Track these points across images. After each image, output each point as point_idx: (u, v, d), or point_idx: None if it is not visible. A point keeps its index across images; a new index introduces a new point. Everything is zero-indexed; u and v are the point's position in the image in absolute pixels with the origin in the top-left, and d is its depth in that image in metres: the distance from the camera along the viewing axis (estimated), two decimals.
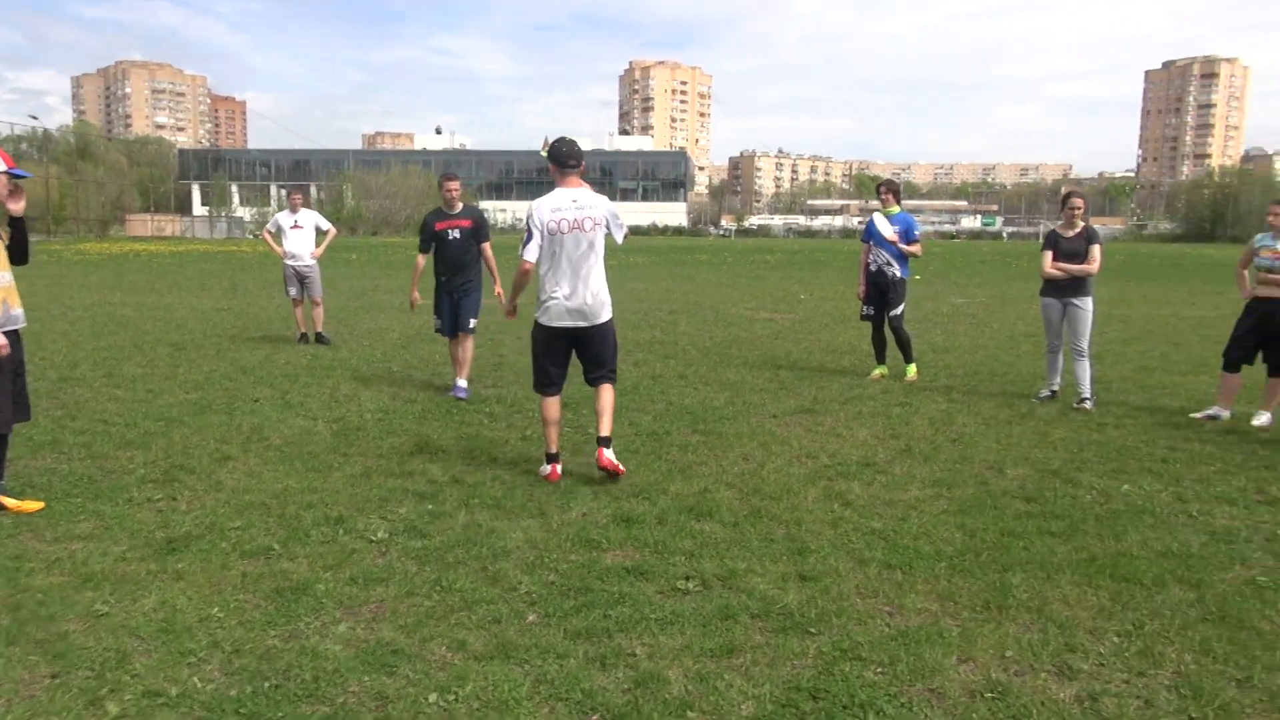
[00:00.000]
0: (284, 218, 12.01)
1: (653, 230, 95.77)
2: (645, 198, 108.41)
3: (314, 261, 11.98)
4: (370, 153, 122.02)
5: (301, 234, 11.91)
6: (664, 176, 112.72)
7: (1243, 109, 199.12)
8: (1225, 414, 7.54)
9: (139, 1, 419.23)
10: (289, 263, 11.90)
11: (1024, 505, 5.24)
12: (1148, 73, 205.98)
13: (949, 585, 4.06)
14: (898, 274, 9.38)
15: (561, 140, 5.72)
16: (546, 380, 5.83)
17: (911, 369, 9.45)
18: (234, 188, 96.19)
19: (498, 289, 8.39)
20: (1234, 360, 7.51)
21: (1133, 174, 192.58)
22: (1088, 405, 7.89)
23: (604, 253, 5.75)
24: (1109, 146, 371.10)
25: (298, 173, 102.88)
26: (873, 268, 9.51)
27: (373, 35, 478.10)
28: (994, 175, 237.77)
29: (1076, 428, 7.22)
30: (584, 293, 5.63)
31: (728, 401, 8.18)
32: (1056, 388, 8.39)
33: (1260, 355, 7.44)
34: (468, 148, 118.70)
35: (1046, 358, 8.46)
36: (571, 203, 5.63)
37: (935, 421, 7.42)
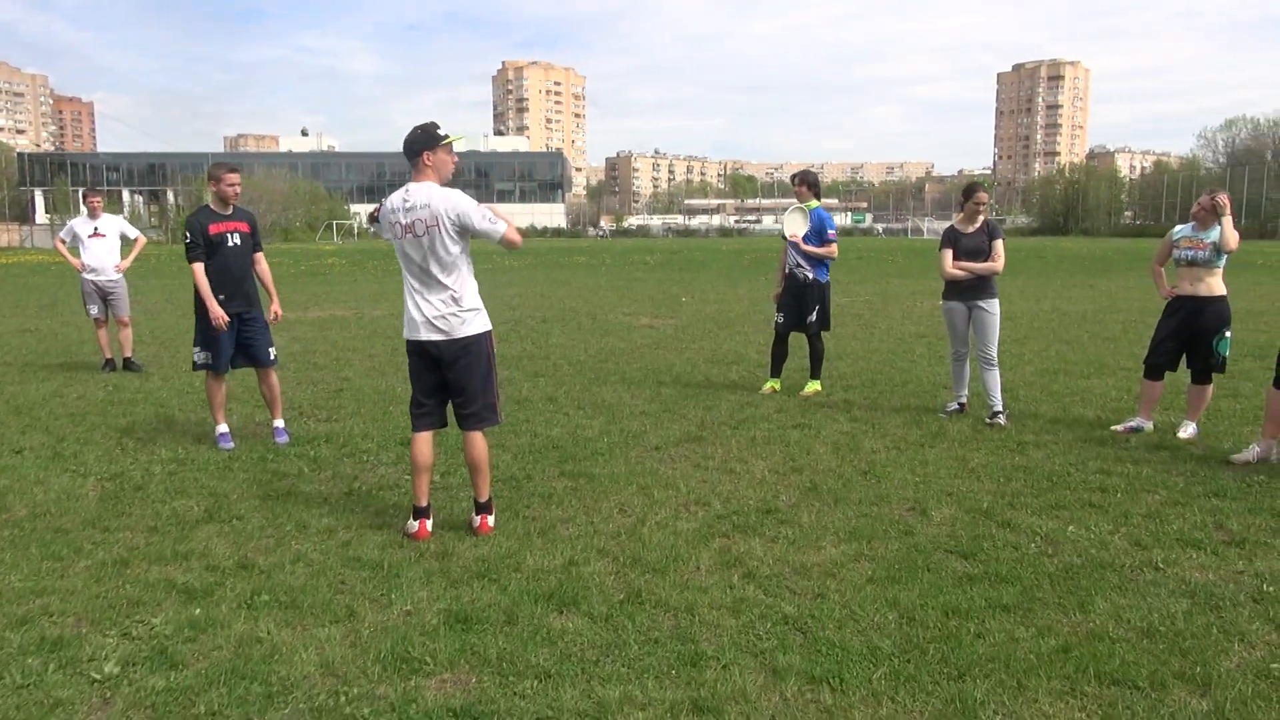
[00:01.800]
0: (81, 224, 10.22)
1: (531, 232, 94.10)
2: (523, 199, 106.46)
3: (119, 275, 10.25)
4: (232, 155, 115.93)
5: (103, 243, 10.16)
6: (541, 178, 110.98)
7: (1086, 109, 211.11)
8: (1148, 425, 6.85)
9: None
10: (88, 277, 10.14)
11: (962, 564, 4.27)
12: (999, 75, 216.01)
13: (894, 708, 3.01)
14: (809, 276, 8.40)
15: (414, 128, 4.57)
16: (415, 408, 4.76)
17: (814, 385, 8.51)
18: (80, 194, 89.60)
19: (276, 307, 6.97)
20: (1156, 367, 6.83)
21: (989, 171, 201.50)
22: (1001, 420, 7.10)
23: (464, 256, 4.56)
24: (967, 145, 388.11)
25: (152, 177, 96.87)
26: (786, 269, 8.55)
27: (234, 33, 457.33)
28: (862, 174, 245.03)
29: (996, 449, 6.38)
30: (435, 301, 4.56)
31: (602, 430, 7.04)
32: (964, 400, 7.59)
33: (1184, 360, 6.78)
34: (336, 149, 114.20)
35: (952, 366, 7.66)
36: (403, 203, 4.54)
37: (839, 447, 6.46)
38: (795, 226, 8.38)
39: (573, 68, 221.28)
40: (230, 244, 6.57)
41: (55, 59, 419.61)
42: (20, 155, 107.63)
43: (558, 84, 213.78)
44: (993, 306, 7.28)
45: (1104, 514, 4.98)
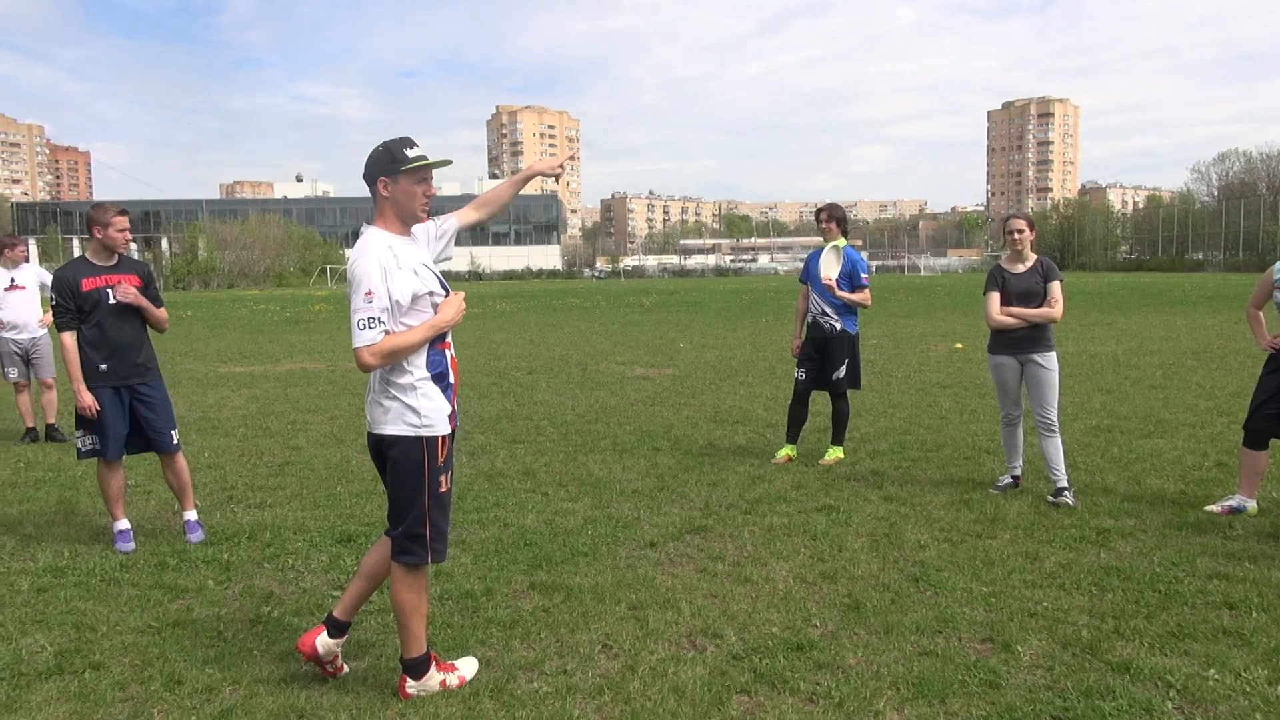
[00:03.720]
0: None
1: (527, 274, 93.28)
2: (518, 241, 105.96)
3: (42, 331, 9.06)
4: (226, 202, 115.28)
5: (22, 296, 8.96)
6: (536, 220, 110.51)
7: (1077, 145, 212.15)
8: (1250, 504, 5.63)
9: None
10: (6, 335, 8.94)
11: None
12: (990, 113, 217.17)
13: None
14: (838, 327, 7.26)
15: (378, 145, 3.40)
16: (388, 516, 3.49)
17: (836, 451, 7.31)
18: (75, 242, 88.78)
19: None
20: (1259, 433, 5.63)
21: (983, 208, 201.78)
22: (1068, 498, 5.88)
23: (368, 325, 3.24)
24: (959, 183, 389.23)
25: (146, 224, 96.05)
26: (809, 318, 7.39)
27: (231, 82, 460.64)
28: (856, 212, 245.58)
29: (1072, 541, 5.15)
30: (371, 379, 3.40)
31: (587, 519, 5.81)
32: (1019, 472, 6.38)
33: None
34: (331, 195, 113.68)
35: (1002, 432, 6.46)
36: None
37: (878, 540, 5.24)
38: (830, 269, 7.21)
39: (565, 110, 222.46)
40: (109, 302, 5.30)
41: (53, 110, 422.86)
42: (16, 205, 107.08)
43: (551, 127, 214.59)
44: (1049, 361, 6.11)
45: (1246, 646, 3.75)
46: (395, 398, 3.31)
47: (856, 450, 7.60)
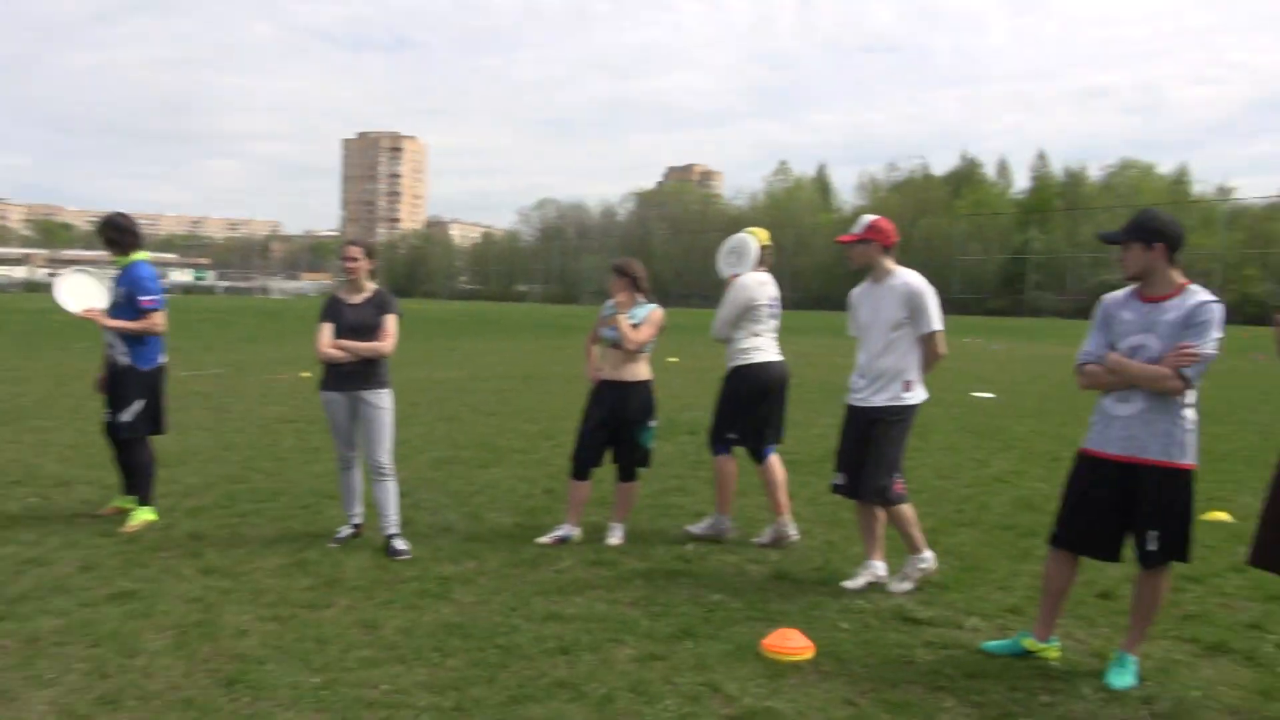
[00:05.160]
0: None
1: None
2: None
3: None
4: None
5: None
6: None
7: (425, 180, 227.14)
8: (576, 531, 5.86)
9: None
10: None
11: None
12: (346, 141, 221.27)
13: None
14: (126, 361, 5.88)
15: None
16: None
17: (143, 513, 5.95)
18: None
19: None
20: (583, 463, 5.88)
21: (337, 233, 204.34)
22: (401, 547, 5.48)
23: None
24: (316, 206, 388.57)
25: None
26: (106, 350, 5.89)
27: None
28: (202, 228, 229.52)
29: (414, 599, 4.70)
30: None
31: None
32: (360, 520, 5.84)
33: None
34: None
35: (339, 476, 5.87)
36: None
37: (187, 632, 4.18)
38: (90, 298, 5.89)
39: None
40: None
41: None
42: None
43: None
44: (381, 399, 5.64)
45: (581, 699, 3.63)
46: None
47: (173, 508, 6.34)
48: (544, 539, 5.77)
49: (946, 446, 9.50)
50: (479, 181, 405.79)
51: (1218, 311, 3.73)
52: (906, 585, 4.99)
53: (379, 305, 5.70)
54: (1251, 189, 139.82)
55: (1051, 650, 4.12)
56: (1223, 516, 6.53)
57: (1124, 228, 3.92)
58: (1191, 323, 3.72)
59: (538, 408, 11.91)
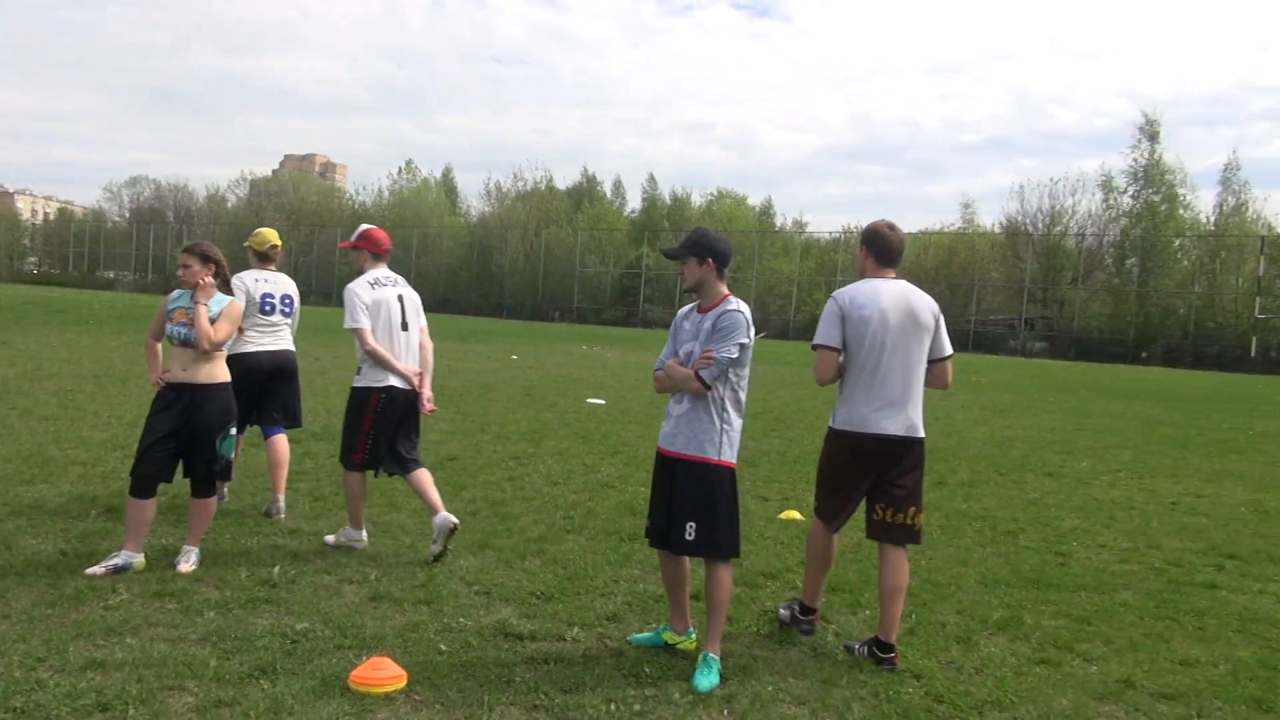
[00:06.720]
0: None
1: None
2: None
3: None
4: None
5: None
6: None
7: None
8: (138, 558, 5.02)
9: None
10: None
11: None
12: None
13: None
14: None
15: None
16: None
17: None
18: None
19: None
20: (147, 478, 5.06)
21: None
22: None
23: None
24: None
25: None
26: None
27: None
28: None
29: None
30: None
31: None
32: None
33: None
34: None
35: None
36: None
37: None
38: None
39: None
40: None
41: None
42: None
43: None
44: None
45: None
46: None
47: None
48: (95, 569, 4.88)
49: (558, 452, 9.65)
50: (56, 150, 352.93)
51: (739, 319, 4.11)
52: (331, 540, 5.62)
53: None
54: (822, 224, 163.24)
55: (688, 641, 4.35)
56: (795, 515, 7.22)
57: (682, 244, 4.28)
58: (716, 329, 4.11)
59: (110, 411, 10.34)
